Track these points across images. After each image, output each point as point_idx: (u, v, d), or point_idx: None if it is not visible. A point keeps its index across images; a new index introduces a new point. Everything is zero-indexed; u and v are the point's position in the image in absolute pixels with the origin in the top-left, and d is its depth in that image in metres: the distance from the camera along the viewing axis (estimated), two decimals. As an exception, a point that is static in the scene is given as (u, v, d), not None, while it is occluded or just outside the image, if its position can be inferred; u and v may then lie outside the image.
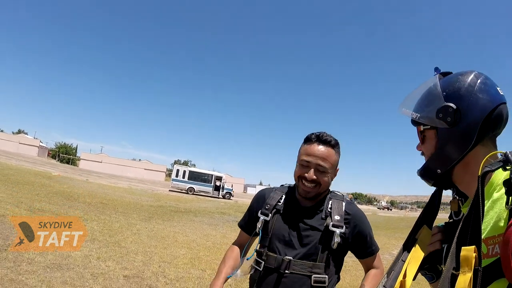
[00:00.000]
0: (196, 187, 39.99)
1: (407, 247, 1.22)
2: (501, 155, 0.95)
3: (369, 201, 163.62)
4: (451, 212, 1.24)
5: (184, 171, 40.60)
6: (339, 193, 2.01)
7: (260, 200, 2.05)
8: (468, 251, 0.85)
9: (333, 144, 1.89)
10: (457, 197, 1.21)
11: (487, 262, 0.89)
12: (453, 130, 1.08)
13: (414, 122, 1.24)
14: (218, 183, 41.69)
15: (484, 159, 0.94)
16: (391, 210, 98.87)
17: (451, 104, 1.08)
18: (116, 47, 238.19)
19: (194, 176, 40.64)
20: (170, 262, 7.18)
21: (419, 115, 1.18)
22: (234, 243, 2.16)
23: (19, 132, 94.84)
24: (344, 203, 1.93)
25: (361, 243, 1.94)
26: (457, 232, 0.94)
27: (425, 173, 1.20)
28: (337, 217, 1.83)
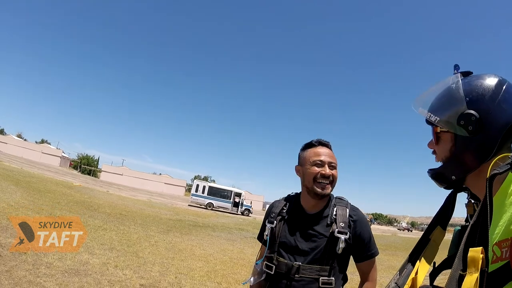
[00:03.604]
0: (215, 203, 39.92)
1: (421, 246, 1.21)
2: (510, 157, 0.92)
3: (389, 222, 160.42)
4: (467, 215, 1.20)
5: (204, 187, 40.67)
6: (344, 199, 2.11)
7: (268, 212, 2.17)
8: (475, 252, 0.84)
9: (331, 147, 2.11)
10: (472, 200, 1.18)
11: (501, 264, 0.87)
12: (473, 139, 1.04)
13: (430, 122, 1.19)
14: (237, 200, 41.51)
15: (493, 162, 0.93)
16: (411, 231, 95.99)
17: (474, 113, 1.03)
18: (138, 63, 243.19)
19: (214, 192, 40.66)
20: (186, 274, 7.15)
21: (438, 118, 1.12)
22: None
23: (42, 142, 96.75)
24: (348, 209, 2.01)
25: (361, 245, 1.99)
26: (466, 234, 0.93)
27: (438, 178, 1.17)
28: (342, 224, 1.92)
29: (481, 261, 0.82)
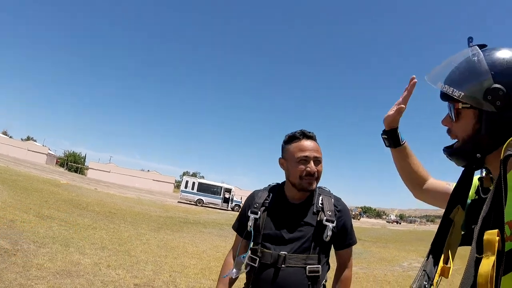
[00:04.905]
0: (205, 199, 39.68)
1: (445, 229, 1.11)
2: None
3: (378, 214, 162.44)
4: (477, 187, 1.17)
5: (193, 183, 40.41)
6: (326, 188, 2.14)
7: (249, 201, 2.13)
8: (491, 235, 0.80)
9: (315, 138, 2.06)
10: (489, 173, 1.11)
11: (510, 246, 0.85)
12: (501, 115, 0.98)
13: (448, 97, 1.10)
14: (227, 195, 41.39)
15: (506, 143, 0.87)
16: (400, 223, 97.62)
17: (501, 87, 0.97)
18: (126, 58, 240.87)
19: (203, 188, 40.42)
20: (180, 271, 7.05)
21: (462, 93, 1.03)
22: (232, 248, 2.23)
23: (28, 139, 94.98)
24: (332, 199, 2.05)
25: (344, 234, 2.03)
26: (481, 217, 0.88)
27: (460, 155, 1.11)
28: (329, 212, 1.96)
29: (497, 243, 0.79)
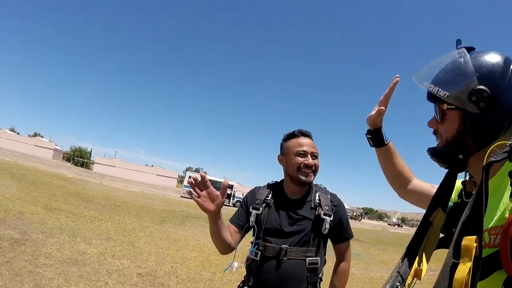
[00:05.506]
0: (207, 195, 39.47)
1: (423, 231, 1.13)
2: (508, 145, 0.86)
3: (380, 216, 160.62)
4: (460, 191, 1.16)
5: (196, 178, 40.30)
6: (322, 185, 2.28)
7: (250, 197, 2.24)
8: (469, 241, 0.82)
9: (311, 136, 2.21)
10: (473, 178, 1.12)
11: (488, 252, 0.87)
12: (484, 116, 1.00)
13: (434, 98, 1.12)
14: (229, 191, 41.24)
15: (490, 149, 0.88)
16: (401, 227, 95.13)
17: (486, 89, 0.98)
18: (129, 56, 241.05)
19: (206, 184, 40.25)
20: (182, 263, 7.29)
21: (447, 93, 1.04)
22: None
23: (35, 135, 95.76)
24: (328, 195, 2.18)
25: (341, 228, 2.16)
26: (460, 222, 0.90)
27: (442, 156, 1.12)
28: (326, 207, 2.08)
29: (474, 249, 0.80)
